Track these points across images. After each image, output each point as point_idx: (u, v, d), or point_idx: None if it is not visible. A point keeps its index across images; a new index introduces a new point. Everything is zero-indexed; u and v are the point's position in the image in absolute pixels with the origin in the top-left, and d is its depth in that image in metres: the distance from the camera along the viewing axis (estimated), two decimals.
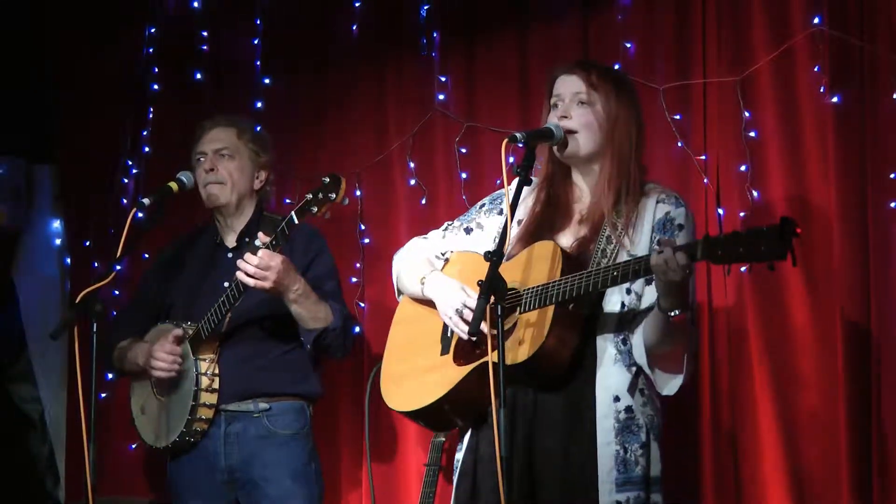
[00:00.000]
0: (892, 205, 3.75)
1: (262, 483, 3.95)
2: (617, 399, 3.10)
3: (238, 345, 3.99)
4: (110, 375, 4.56)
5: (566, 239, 3.23)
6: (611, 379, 3.11)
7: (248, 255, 3.74)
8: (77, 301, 3.54)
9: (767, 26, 3.99)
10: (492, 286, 2.91)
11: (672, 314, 2.96)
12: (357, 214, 4.71)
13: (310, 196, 3.56)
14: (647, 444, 3.12)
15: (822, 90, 3.85)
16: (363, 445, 4.61)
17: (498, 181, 3.39)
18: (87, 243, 5.21)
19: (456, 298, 3.21)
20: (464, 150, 4.52)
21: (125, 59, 5.18)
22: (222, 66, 5.04)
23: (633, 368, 3.12)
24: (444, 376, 3.21)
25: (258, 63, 4.92)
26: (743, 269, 3.94)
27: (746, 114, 3.98)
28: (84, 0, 5.23)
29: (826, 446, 3.82)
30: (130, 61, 5.16)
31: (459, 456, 3.29)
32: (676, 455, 3.97)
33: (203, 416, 3.94)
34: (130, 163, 5.13)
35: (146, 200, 3.81)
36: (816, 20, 3.87)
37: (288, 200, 4.74)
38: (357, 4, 4.75)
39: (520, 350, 3.04)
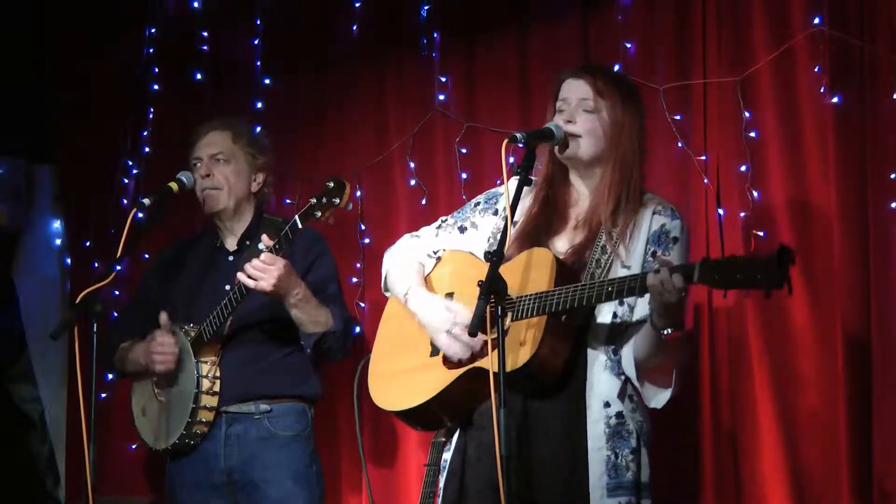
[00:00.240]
0: (893, 205, 3.75)
1: (262, 485, 3.96)
2: (607, 405, 3.11)
3: (239, 347, 3.99)
4: (110, 376, 4.56)
5: (561, 243, 3.23)
6: (601, 385, 3.11)
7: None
8: (77, 301, 3.55)
9: (767, 26, 3.99)
10: (492, 287, 2.90)
11: (665, 332, 2.97)
12: (357, 215, 4.71)
13: (314, 200, 3.57)
14: (638, 449, 3.13)
15: (822, 90, 3.86)
16: (363, 446, 4.62)
17: (498, 181, 3.39)
18: (88, 243, 5.21)
19: (440, 319, 3.19)
20: (464, 151, 4.52)
21: (125, 59, 5.18)
22: (222, 66, 5.04)
23: (623, 376, 3.13)
24: (434, 378, 3.21)
25: (258, 63, 4.91)
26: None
27: (746, 114, 3.98)
28: (84, 0, 5.23)
29: (826, 446, 3.82)
30: (130, 61, 5.15)
31: (448, 455, 3.29)
32: (676, 455, 3.99)
33: (203, 419, 3.94)
34: (130, 163, 5.13)
35: (146, 200, 3.81)
36: (816, 20, 3.87)
37: (288, 201, 4.74)
38: (357, 4, 4.75)
39: (511, 358, 3.03)
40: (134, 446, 4.81)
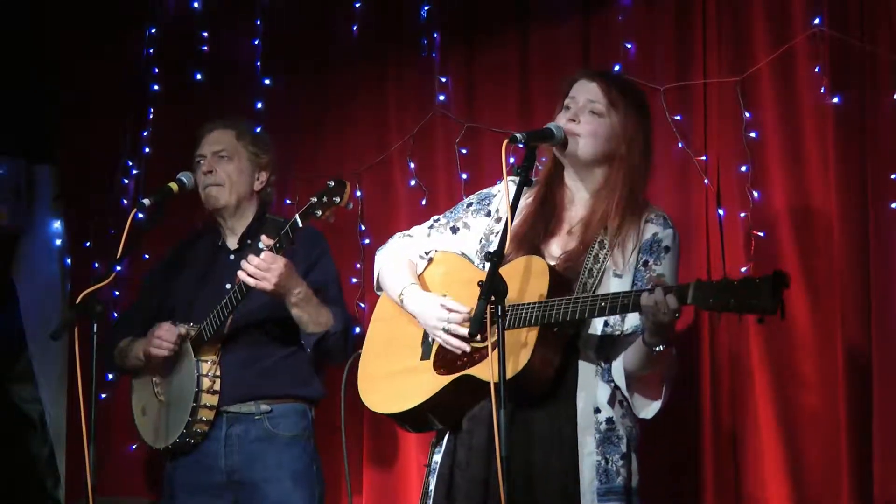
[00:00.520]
0: (893, 206, 3.75)
1: (262, 485, 3.95)
2: (598, 411, 3.11)
3: (240, 347, 3.99)
4: (110, 376, 4.56)
5: (555, 247, 3.23)
6: (591, 392, 3.12)
7: (250, 256, 3.75)
8: (77, 302, 3.55)
9: (768, 27, 3.99)
10: (492, 287, 2.90)
11: (656, 350, 2.98)
12: (357, 215, 4.71)
13: (314, 199, 3.57)
14: (628, 454, 3.13)
15: (822, 91, 3.86)
16: (363, 447, 4.62)
17: (499, 182, 3.39)
18: (88, 244, 5.21)
19: (437, 316, 3.19)
20: (464, 151, 4.52)
21: (125, 60, 5.18)
22: (222, 67, 5.04)
23: (613, 383, 3.14)
24: (424, 383, 3.21)
25: (258, 63, 4.92)
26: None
27: (747, 114, 3.98)
28: (84, 0, 5.23)
29: (826, 446, 3.82)
30: (130, 61, 5.16)
31: (437, 458, 3.29)
32: (676, 456, 3.99)
33: (203, 418, 3.94)
34: (130, 163, 5.13)
35: (146, 201, 3.81)
36: (817, 21, 3.87)
37: (288, 201, 4.74)
38: (357, 5, 4.75)
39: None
40: (134, 446, 4.81)
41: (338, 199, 3.53)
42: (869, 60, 3.80)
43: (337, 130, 4.83)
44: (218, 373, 3.96)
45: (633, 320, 3.10)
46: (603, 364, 3.13)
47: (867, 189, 3.79)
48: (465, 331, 3.12)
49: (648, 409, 3.15)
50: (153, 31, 5.12)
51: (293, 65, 4.93)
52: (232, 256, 4.10)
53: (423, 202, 4.57)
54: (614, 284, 3.12)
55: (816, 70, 3.87)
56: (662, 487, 3.95)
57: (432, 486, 3.27)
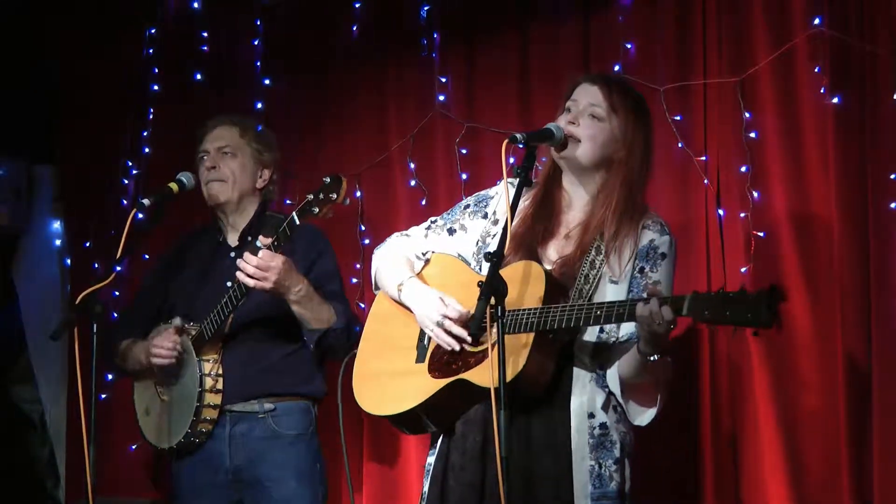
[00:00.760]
0: (893, 206, 3.75)
1: (267, 484, 3.96)
2: (592, 416, 3.12)
3: (241, 345, 3.99)
4: (110, 376, 4.56)
5: (552, 250, 3.23)
6: (586, 397, 3.13)
7: (248, 256, 3.75)
8: (77, 302, 3.54)
9: (768, 27, 3.99)
10: (493, 288, 2.90)
11: (651, 359, 2.98)
12: (357, 215, 4.71)
13: (311, 196, 3.56)
14: (622, 459, 3.14)
15: (822, 91, 3.86)
16: (363, 445, 4.62)
17: (498, 182, 3.39)
18: (88, 244, 5.21)
19: (435, 309, 3.19)
20: (464, 151, 4.52)
21: (125, 60, 5.18)
22: (222, 67, 5.04)
23: (607, 388, 3.14)
24: (419, 386, 3.21)
25: (258, 63, 4.91)
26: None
27: (747, 115, 3.98)
28: (84, 0, 5.23)
29: (826, 446, 3.82)
30: (130, 61, 5.15)
31: (431, 460, 3.30)
32: (676, 456, 3.99)
33: (207, 417, 3.94)
34: (130, 163, 5.13)
35: (146, 201, 3.81)
36: (817, 21, 3.87)
37: (288, 201, 4.73)
38: (357, 5, 4.75)
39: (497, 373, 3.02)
40: (134, 447, 4.81)
41: (334, 196, 3.53)
42: (869, 60, 3.80)
43: (337, 130, 4.83)
44: (220, 372, 3.96)
45: (628, 328, 3.10)
46: (598, 370, 3.14)
47: (867, 189, 3.79)
48: (459, 329, 3.12)
49: (643, 416, 3.16)
50: (153, 31, 5.12)
51: (293, 65, 4.93)
52: (232, 254, 4.09)
53: (423, 202, 4.57)
54: (610, 291, 3.12)
55: (816, 70, 3.87)
56: (662, 488, 3.95)
57: (426, 488, 3.27)
